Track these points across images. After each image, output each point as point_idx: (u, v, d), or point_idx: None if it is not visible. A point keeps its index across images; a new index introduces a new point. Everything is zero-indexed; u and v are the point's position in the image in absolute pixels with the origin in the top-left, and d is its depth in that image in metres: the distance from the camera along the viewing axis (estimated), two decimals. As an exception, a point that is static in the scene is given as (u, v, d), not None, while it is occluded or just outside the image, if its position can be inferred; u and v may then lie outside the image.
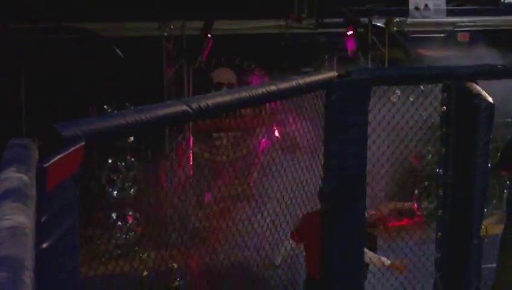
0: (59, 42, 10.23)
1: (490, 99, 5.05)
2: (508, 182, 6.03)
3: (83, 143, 2.63)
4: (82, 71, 10.22)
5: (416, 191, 8.75)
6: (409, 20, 12.18)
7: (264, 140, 9.43)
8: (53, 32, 10.23)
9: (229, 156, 10.71)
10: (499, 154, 6.20)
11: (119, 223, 10.38)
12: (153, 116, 3.21)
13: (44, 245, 2.38)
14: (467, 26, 12.65)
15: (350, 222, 4.97)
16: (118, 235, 10.27)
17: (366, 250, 6.42)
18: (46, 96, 9.92)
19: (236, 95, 4.03)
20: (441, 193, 5.53)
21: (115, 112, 8.55)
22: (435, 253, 5.68)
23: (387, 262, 6.03)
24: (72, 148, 2.54)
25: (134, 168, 10.53)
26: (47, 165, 2.35)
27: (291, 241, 5.69)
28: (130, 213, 10.44)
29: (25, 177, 2.13)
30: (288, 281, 5.08)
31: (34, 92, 9.78)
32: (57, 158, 2.42)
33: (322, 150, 5.01)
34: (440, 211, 5.57)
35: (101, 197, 10.38)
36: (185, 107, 3.48)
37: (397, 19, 11.57)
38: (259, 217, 4.79)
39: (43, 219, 2.36)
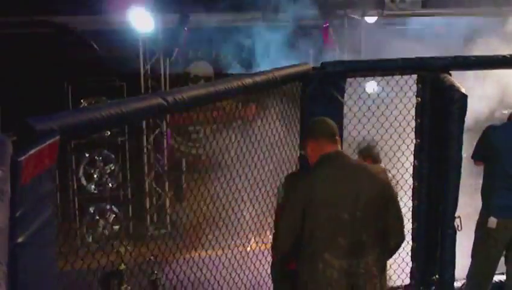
0: (33, 36, 10.16)
1: (463, 91, 5.10)
2: (484, 173, 6.08)
3: (57, 137, 2.63)
4: (57, 65, 10.16)
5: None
6: (385, 12, 12.23)
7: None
8: (27, 26, 10.15)
9: (205, 149, 10.70)
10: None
11: (97, 217, 10.37)
12: (128, 110, 3.20)
13: (20, 239, 2.38)
14: (442, 17, 12.73)
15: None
16: (96, 229, 10.29)
17: None
18: (21, 92, 9.86)
19: (211, 88, 4.03)
20: (416, 183, 5.58)
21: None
22: (411, 243, 5.74)
23: None
24: (47, 142, 2.54)
25: (112, 162, 10.52)
26: (21, 159, 2.34)
27: None
28: (108, 207, 10.44)
29: (-1, 172, 2.13)
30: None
31: (9, 87, 9.69)
32: (31, 152, 2.41)
33: (298, 141, 5.05)
34: (415, 202, 5.62)
35: (78, 191, 10.36)
36: (160, 100, 3.48)
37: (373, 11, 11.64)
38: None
39: (18, 213, 2.36)
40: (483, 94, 8.53)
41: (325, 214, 3.82)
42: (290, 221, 3.88)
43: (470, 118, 5.66)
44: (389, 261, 6.52)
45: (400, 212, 4.06)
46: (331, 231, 3.83)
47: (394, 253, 4.16)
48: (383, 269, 4.01)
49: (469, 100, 5.14)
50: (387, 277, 6.65)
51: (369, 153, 6.81)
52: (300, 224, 3.84)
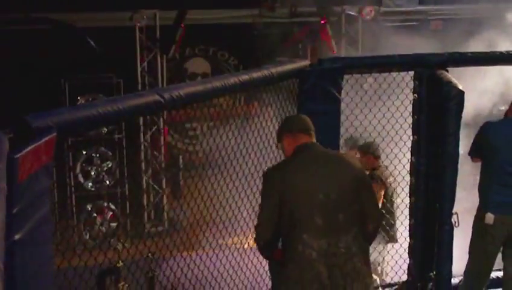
0: (30, 33, 10.14)
1: (460, 87, 5.10)
2: (481, 169, 6.08)
3: (54, 134, 2.63)
4: (54, 62, 10.14)
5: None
6: (382, 9, 12.24)
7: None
8: (24, 23, 10.13)
9: (202, 145, 10.70)
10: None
11: (94, 214, 10.37)
12: (125, 107, 3.21)
13: (17, 237, 2.38)
14: (439, 14, 12.74)
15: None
16: (93, 226, 10.29)
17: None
18: (18, 89, 9.84)
19: (208, 85, 4.04)
20: (413, 180, 5.59)
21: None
22: (409, 239, 5.74)
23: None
24: (44, 139, 2.54)
25: (109, 159, 10.51)
26: (17, 156, 2.34)
27: None
28: (105, 204, 10.43)
29: (-5, 169, 2.12)
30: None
31: (5, 83, 9.67)
32: (27, 149, 2.41)
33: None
34: (413, 198, 5.63)
35: (76, 188, 10.35)
36: (157, 97, 3.48)
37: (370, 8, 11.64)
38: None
39: (15, 210, 2.36)
40: (484, 89, 8.53)
41: (301, 197, 3.93)
42: (268, 209, 3.98)
43: (469, 113, 5.66)
44: (386, 258, 6.56)
45: (374, 197, 4.17)
46: (307, 212, 3.93)
47: (374, 237, 4.22)
48: (363, 250, 4.05)
49: (469, 95, 5.15)
50: (385, 273, 6.70)
51: (368, 149, 6.82)
52: (278, 211, 3.94)
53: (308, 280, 3.92)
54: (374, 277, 6.74)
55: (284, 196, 3.93)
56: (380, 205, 6.70)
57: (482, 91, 8.49)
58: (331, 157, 4.12)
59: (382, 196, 6.71)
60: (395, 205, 6.78)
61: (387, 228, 6.69)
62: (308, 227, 3.92)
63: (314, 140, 4.18)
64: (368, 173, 6.84)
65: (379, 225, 4.20)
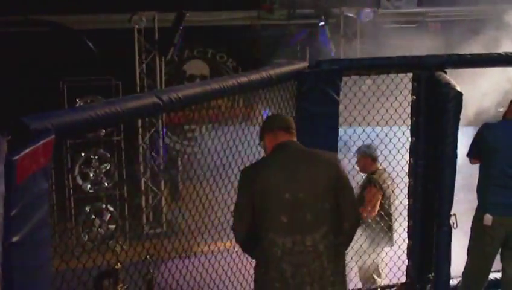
0: (29, 35, 10.14)
1: (458, 88, 5.11)
2: (479, 170, 6.08)
3: (52, 136, 2.62)
4: (53, 64, 10.14)
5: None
6: (381, 10, 12.24)
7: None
8: (22, 25, 10.13)
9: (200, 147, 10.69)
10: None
11: (93, 216, 10.36)
12: (123, 109, 3.21)
13: (15, 239, 2.38)
14: (438, 16, 12.75)
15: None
16: (91, 228, 10.28)
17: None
18: (17, 91, 9.84)
19: (207, 87, 4.04)
20: (411, 181, 5.59)
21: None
22: (407, 241, 5.75)
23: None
24: (42, 141, 2.54)
25: (108, 161, 10.50)
26: (16, 158, 2.34)
27: None
28: (103, 206, 10.42)
29: (-7, 171, 2.12)
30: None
31: (4, 86, 9.67)
32: (26, 151, 2.41)
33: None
34: (411, 200, 5.63)
35: (74, 190, 10.34)
36: (155, 99, 3.48)
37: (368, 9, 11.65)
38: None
39: (13, 213, 2.36)
40: (485, 89, 8.52)
41: (269, 195, 3.95)
42: (241, 208, 4.02)
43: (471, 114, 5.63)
44: (385, 259, 6.56)
45: (351, 196, 4.14)
46: (273, 210, 3.95)
47: (352, 236, 4.19)
48: (333, 249, 4.03)
49: (472, 95, 5.14)
50: (384, 275, 6.69)
51: (366, 151, 6.82)
52: (250, 210, 3.97)
53: (272, 277, 3.95)
54: (375, 277, 6.75)
55: (254, 195, 3.96)
56: (378, 209, 6.71)
57: (483, 91, 8.47)
58: (307, 156, 4.10)
59: (379, 200, 6.71)
60: (392, 208, 6.77)
61: (386, 229, 6.69)
62: (273, 225, 3.95)
63: (294, 139, 4.18)
64: (365, 176, 6.85)
65: (356, 223, 4.16)
